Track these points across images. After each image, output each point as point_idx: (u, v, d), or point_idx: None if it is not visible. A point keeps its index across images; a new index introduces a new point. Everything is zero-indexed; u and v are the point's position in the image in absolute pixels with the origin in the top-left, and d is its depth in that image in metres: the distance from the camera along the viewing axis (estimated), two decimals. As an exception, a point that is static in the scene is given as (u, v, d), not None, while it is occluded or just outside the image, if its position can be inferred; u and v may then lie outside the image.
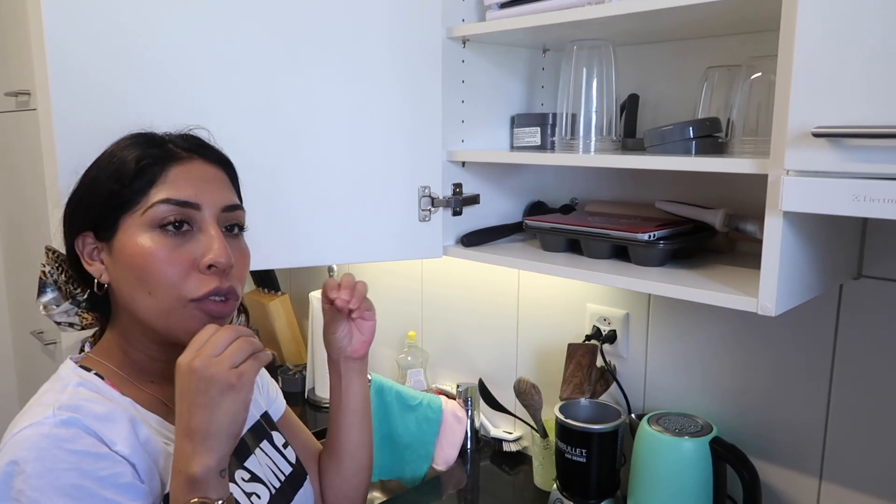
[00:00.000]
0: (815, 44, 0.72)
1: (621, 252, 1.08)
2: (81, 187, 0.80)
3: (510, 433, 1.52)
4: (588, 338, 1.32)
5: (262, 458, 0.90)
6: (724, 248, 1.13)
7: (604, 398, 1.28)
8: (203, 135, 0.85)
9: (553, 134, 1.20)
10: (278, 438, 0.96)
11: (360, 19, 1.10)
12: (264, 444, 0.92)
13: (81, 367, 0.79)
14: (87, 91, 0.97)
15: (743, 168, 0.83)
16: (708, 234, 1.08)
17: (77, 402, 0.72)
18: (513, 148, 1.29)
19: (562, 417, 1.18)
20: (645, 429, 1.11)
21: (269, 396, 1.02)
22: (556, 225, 1.14)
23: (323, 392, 1.77)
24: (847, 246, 0.99)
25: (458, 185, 1.22)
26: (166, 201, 0.76)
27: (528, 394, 1.32)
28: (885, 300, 1.00)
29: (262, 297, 1.99)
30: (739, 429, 1.16)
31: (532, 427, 1.34)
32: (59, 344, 2.04)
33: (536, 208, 1.35)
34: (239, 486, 0.82)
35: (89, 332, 0.89)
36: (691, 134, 0.99)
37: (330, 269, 1.77)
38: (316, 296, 1.78)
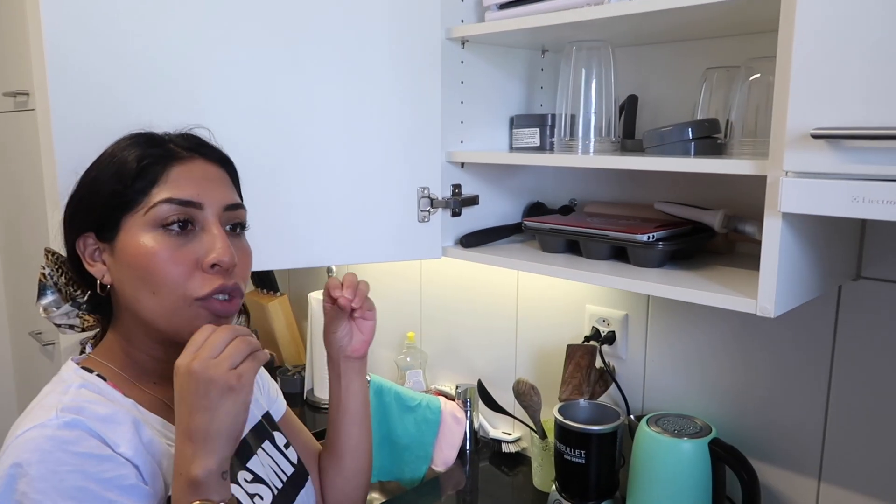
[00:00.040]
0: (814, 45, 0.72)
1: (620, 253, 1.08)
2: (82, 188, 0.80)
3: (509, 434, 1.52)
4: (587, 339, 1.32)
5: (264, 458, 0.90)
6: (723, 250, 1.13)
7: (603, 399, 1.28)
8: (203, 134, 0.85)
9: (552, 135, 1.20)
10: (280, 439, 0.96)
11: (359, 20, 1.10)
12: (266, 444, 0.92)
13: (83, 368, 0.79)
14: (86, 91, 0.97)
15: (742, 169, 0.83)
16: (707, 235, 1.08)
17: (80, 403, 0.72)
18: (512, 149, 1.29)
19: (561, 418, 1.18)
20: (644, 430, 1.11)
21: (269, 396, 1.02)
22: (555, 226, 1.14)
23: (322, 393, 1.77)
24: (846, 247, 0.99)
25: (457, 186, 1.22)
26: (169, 201, 0.76)
27: (527, 395, 1.32)
28: (883, 301, 1.00)
29: (261, 298, 1.99)
30: (738, 430, 1.16)
31: (531, 428, 1.34)
32: (57, 345, 2.04)
33: (535, 209, 1.35)
34: (242, 488, 0.82)
35: (89, 334, 0.88)
36: (690, 135, 0.99)
37: (329, 270, 1.77)
38: (315, 297, 1.78)
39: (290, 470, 0.94)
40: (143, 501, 0.70)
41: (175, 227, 0.76)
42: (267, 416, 0.97)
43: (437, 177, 1.19)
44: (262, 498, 0.85)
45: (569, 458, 1.18)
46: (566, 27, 1.03)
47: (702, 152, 0.99)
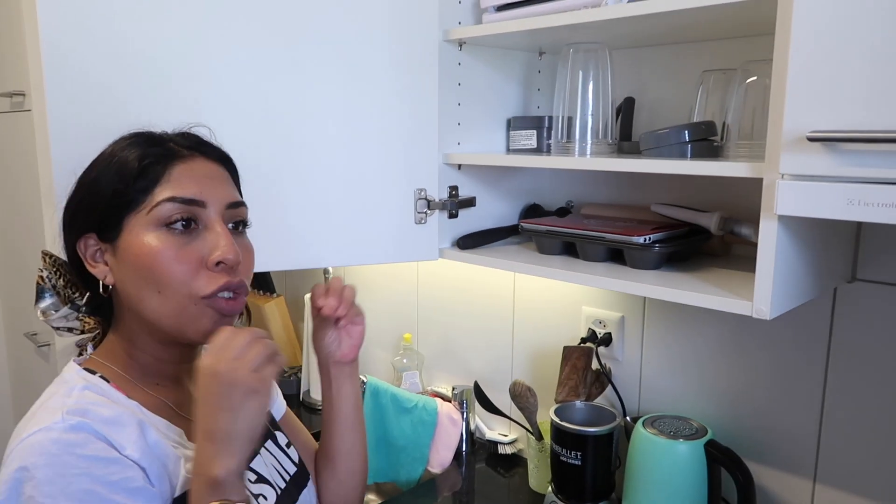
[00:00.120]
0: (811, 48, 0.72)
1: (617, 255, 1.08)
2: (81, 188, 0.79)
3: (505, 436, 1.52)
4: (583, 340, 1.32)
5: (267, 458, 0.90)
6: (719, 252, 1.14)
7: (599, 401, 1.28)
8: (203, 132, 0.85)
9: (549, 137, 1.20)
10: (282, 438, 0.96)
11: (357, 21, 1.10)
12: (269, 444, 0.92)
13: (85, 369, 0.78)
14: (83, 91, 0.97)
15: (738, 172, 0.84)
16: (703, 237, 1.09)
17: (85, 405, 0.72)
18: (509, 151, 1.29)
19: (557, 420, 1.18)
20: (640, 431, 1.11)
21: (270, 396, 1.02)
22: (551, 228, 1.14)
23: (318, 394, 1.76)
24: (841, 249, 0.99)
25: (454, 188, 1.23)
26: (171, 199, 0.76)
27: (523, 396, 1.32)
28: (878, 303, 1.00)
29: (258, 300, 1.98)
30: (734, 431, 1.16)
31: (527, 430, 1.34)
32: (52, 346, 2.03)
33: (532, 211, 1.35)
34: (246, 488, 0.82)
35: (87, 336, 0.88)
36: (687, 137, 0.99)
37: (326, 271, 1.77)
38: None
39: (292, 469, 0.94)
40: (150, 503, 0.70)
41: (178, 225, 0.76)
42: (269, 415, 0.97)
43: (434, 178, 1.19)
44: (266, 498, 0.85)
45: (565, 459, 1.18)
46: (563, 29, 1.03)
47: (698, 155, 1.00)
